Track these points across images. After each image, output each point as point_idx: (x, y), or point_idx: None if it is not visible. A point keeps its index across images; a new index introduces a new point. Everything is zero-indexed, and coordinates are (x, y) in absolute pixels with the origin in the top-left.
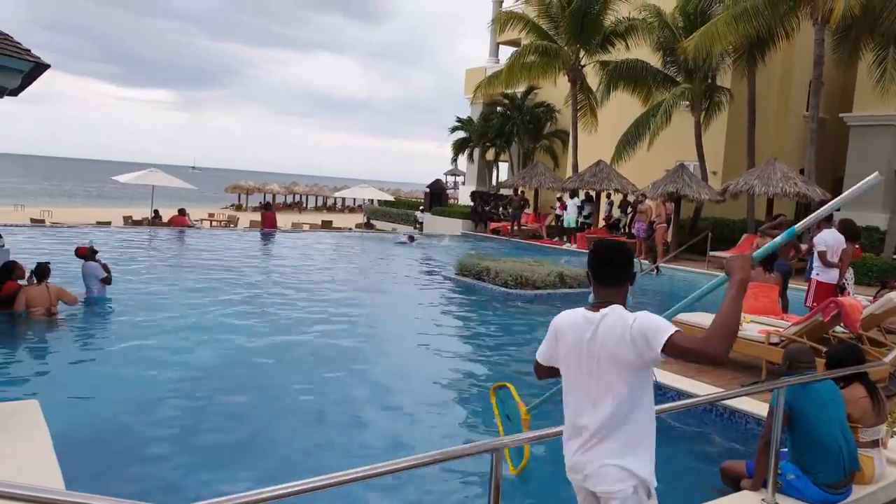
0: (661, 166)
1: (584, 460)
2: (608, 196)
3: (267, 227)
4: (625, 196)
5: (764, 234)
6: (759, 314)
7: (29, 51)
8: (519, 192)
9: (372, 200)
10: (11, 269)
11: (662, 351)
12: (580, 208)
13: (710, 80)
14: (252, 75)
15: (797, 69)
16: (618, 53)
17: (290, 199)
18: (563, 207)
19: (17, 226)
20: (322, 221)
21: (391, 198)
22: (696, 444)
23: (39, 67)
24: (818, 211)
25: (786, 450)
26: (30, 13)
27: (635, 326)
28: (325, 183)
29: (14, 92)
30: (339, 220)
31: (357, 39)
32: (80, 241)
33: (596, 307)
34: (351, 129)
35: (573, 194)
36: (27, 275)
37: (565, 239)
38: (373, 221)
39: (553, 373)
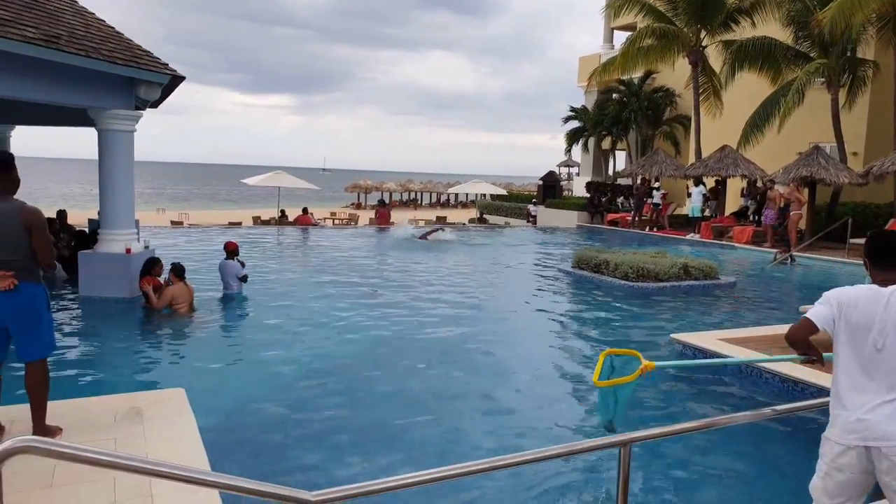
0: (794, 149)
1: (873, 419)
2: (754, 183)
3: (381, 223)
4: (753, 182)
5: None
6: None
7: (167, 65)
8: (642, 181)
9: (484, 195)
10: (152, 265)
11: None
12: (705, 197)
13: (849, 54)
14: (366, 77)
15: None
16: (742, 32)
17: (405, 197)
18: (664, 197)
19: (159, 227)
20: (436, 217)
21: (504, 192)
22: None
23: (176, 80)
24: None
25: None
26: (165, 30)
27: None
28: (439, 179)
29: (155, 104)
30: (452, 215)
31: (466, 35)
32: (219, 241)
33: (882, 284)
34: (462, 124)
35: (697, 182)
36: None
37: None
38: (486, 216)
39: (810, 347)
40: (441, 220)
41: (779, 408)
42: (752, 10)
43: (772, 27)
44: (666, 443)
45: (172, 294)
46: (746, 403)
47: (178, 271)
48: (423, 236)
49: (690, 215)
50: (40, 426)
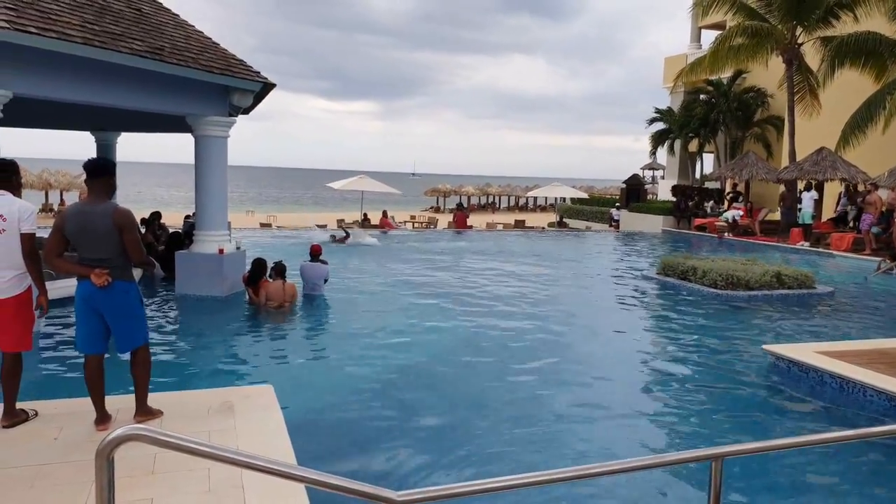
0: None
1: None
2: (855, 187)
3: (459, 227)
4: (853, 186)
5: None
6: None
7: (259, 73)
8: (786, 187)
9: (564, 199)
10: (264, 267)
11: None
12: (817, 202)
13: None
14: (445, 82)
15: None
16: (843, 27)
17: (483, 201)
18: (746, 208)
19: (249, 229)
20: (515, 221)
21: (585, 195)
22: None
23: (267, 87)
24: None
25: None
26: (256, 40)
27: None
28: (517, 183)
29: (246, 110)
30: (531, 219)
31: (546, 38)
32: (304, 242)
33: None
34: (542, 128)
35: (808, 187)
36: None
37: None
38: (566, 220)
39: None
40: (519, 224)
41: (885, 428)
42: (854, 3)
43: (876, 21)
44: (759, 459)
45: (267, 291)
46: (847, 422)
47: (277, 270)
48: (340, 240)
49: (801, 221)
50: (142, 407)
